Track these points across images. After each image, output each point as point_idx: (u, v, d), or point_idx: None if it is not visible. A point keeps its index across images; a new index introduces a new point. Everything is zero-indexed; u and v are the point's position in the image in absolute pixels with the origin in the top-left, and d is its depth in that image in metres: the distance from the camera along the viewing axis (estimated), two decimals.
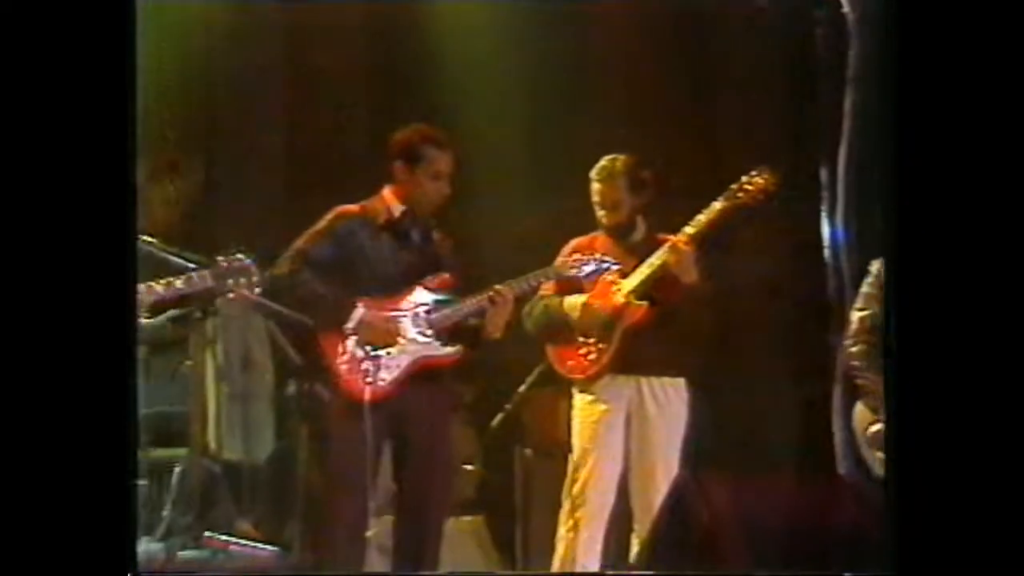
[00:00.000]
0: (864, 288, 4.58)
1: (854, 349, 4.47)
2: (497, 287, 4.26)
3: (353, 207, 4.31)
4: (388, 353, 4.21)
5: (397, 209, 4.29)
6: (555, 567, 4.68)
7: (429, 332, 4.26)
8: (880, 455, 4.46)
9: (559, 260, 4.49)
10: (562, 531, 4.66)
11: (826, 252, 3.76)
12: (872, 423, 4.46)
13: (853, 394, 4.57)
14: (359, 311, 4.13)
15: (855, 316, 4.54)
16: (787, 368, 5.46)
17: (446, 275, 4.31)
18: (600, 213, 4.63)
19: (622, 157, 4.63)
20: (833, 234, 3.70)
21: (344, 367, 4.19)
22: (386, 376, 4.19)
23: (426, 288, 4.29)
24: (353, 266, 4.26)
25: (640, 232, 4.63)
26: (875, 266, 4.54)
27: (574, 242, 4.66)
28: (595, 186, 4.63)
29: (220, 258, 3.61)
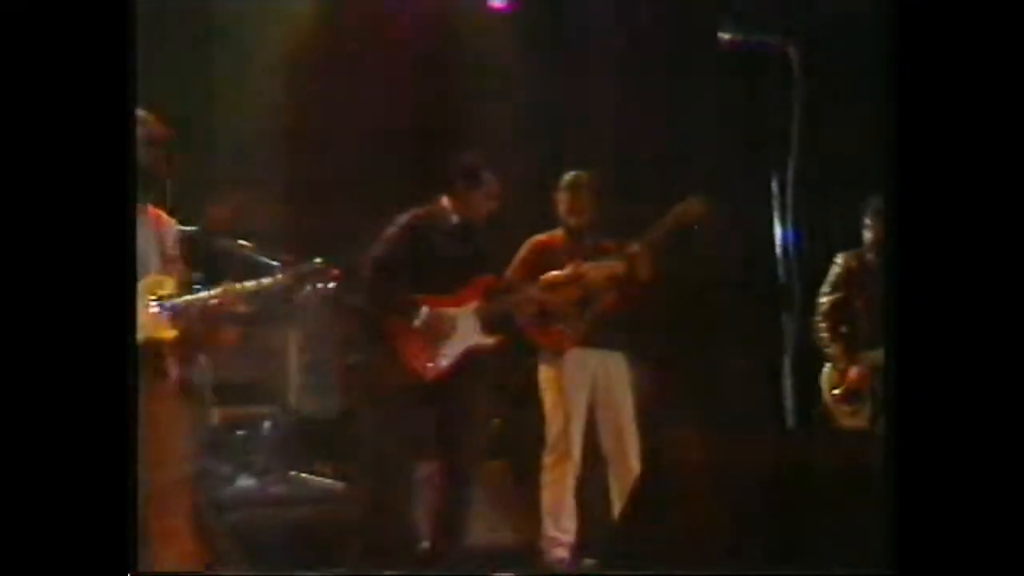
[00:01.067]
0: (831, 277, 5.16)
1: (823, 325, 5.11)
2: (528, 291, 4.93)
3: (421, 211, 4.78)
4: (447, 345, 4.73)
5: (455, 218, 4.77)
6: (546, 507, 5.12)
7: (477, 325, 4.77)
8: (845, 408, 5.13)
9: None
10: (548, 478, 5.11)
11: (778, 250, 4.09)
12: (836, 386, 5.12)
13: (821, 361, 5.14)
14: (424, 311, 4.64)
15: (824, 300, 5.15)
16: (730, 343, 5.96)
17: (491, 277, 4.85)
18: (567, 218, 5.16)
19: (586, 173, 5.18)
20: (784, 235, 4.07)
21: (410, 353, 4.72)
22: (444, 363, 4.73)
23: (476, 288, 4.81)
24: (420, 264, 4.71)
25: (592, 235, 5.16)
26: (840, 258, 5.14)
27: (535, 239, 5.21)
28: (562, 195, 5.16)
29: (302, 266, 4.17)
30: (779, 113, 3.96)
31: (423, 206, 4.81)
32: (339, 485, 5.68)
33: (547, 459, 5.15)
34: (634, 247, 5.05)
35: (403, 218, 4.76)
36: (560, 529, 5.10)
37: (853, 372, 5.11)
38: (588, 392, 5.16)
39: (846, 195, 5.28)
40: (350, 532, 5.23)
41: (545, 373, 5.19)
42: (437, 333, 4.69)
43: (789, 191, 4.00)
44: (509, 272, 5.14)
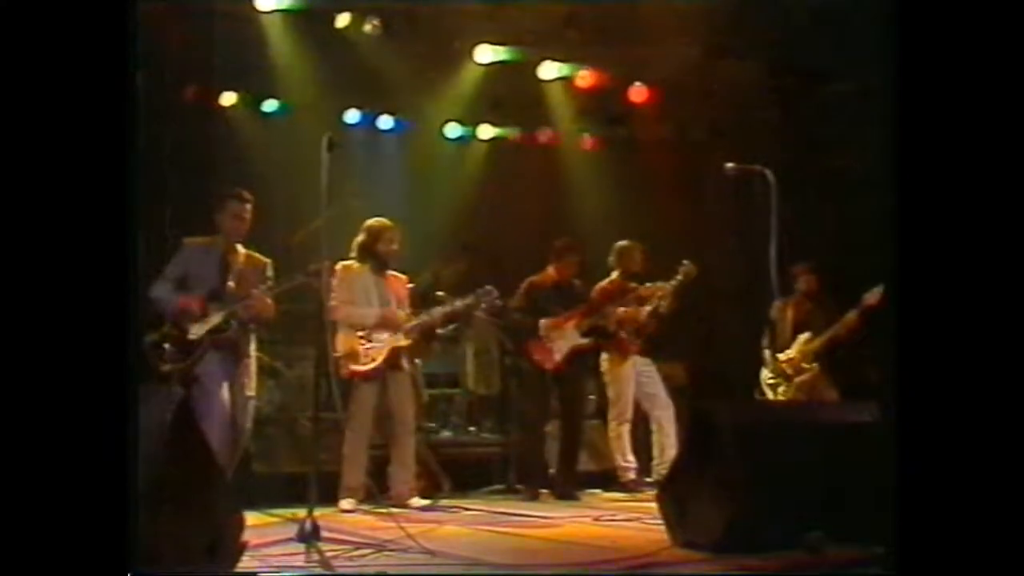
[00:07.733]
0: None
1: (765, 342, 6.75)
2: (605, 312, 6.66)
3: (536, 277, 6.71)
4: (558, 345, 6.44)
5: (554, 278, 6.68)
6: (613, 446, 6.55)
7: (576, 334, 6.54)
8: (770, 390, 6.74)
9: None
10: (612, 433, 6.72)
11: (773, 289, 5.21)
12: (770, 377, 6.77)
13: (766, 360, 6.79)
14: (544, 324, 6.48)
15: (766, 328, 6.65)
16: (727, 349, 7.57)
17: (582, 307, 6.66)
18: (620, 271, 6.84)
19: (634, 242, 6.93)
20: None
21: (537, 351, 6.46)
22: (558, 356, 6.43)
23: (573, 314, 6.59)
24: (537, 304, 6.55)
25: (636, 282, 6.83)
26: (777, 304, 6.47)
27: (603, 283, 6.80)
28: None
29: (478, 290, 6.10)
30: (764, 209, 5.12)
31: (537, 273, 6.80)
32: (499, 435, 7.23)
33: (612, 418, 6.79)
34: (661, 292, 6.77)
35: (526, 282, 6.67)
36: (625, 460, 6.72)
37: (774, 368, 6.73)
38: (635, 379, 6.78)
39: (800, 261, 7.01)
40: (507, 463, 6.83)
41: (615, 369, 6.84)
42: (551, 337, 6.43)
43: (773, 262, 5.13)
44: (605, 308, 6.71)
